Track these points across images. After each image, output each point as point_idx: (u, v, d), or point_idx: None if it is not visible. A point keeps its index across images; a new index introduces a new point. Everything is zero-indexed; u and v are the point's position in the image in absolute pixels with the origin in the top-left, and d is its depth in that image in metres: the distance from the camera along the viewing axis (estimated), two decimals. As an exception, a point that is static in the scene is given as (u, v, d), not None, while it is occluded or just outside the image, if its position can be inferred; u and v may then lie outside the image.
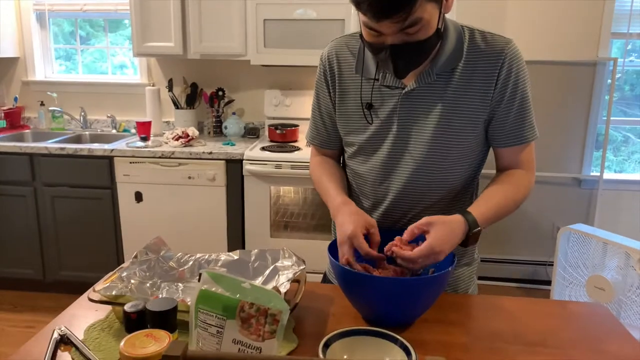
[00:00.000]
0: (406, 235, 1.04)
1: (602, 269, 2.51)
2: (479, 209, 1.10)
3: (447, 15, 1.09)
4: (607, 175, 3.31)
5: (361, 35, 1.07)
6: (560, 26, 3.14)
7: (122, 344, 0.76)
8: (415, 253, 0.99)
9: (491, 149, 1.23)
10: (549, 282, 3.06)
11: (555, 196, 3.36)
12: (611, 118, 3.13)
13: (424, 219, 1.03)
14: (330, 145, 1.31)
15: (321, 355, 0.88)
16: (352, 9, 2.68)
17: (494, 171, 1.24)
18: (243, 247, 2.94)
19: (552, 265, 2.79)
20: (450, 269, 1.00)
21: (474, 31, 1.12)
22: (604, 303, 2.44)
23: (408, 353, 0.89)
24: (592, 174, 3.32)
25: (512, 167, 1.19)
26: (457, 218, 1.05)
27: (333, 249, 1.10)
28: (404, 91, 1.13)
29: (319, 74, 1.26)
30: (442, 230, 1.01)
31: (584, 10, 3.10)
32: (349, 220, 1.08)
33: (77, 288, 3.00)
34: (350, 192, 1.29)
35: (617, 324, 1.09)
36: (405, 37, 0.99)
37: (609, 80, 3.17)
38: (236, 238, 2.95)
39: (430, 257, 1.00)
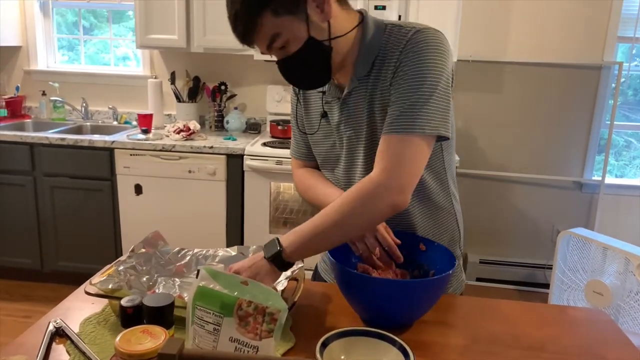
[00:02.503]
0: None
1: (602, 273, 2.50)
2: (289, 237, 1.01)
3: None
4: (609, 179, 3.30)
5: None
6: (566, 29, 3.12)
7: (117, 339, 0.75)
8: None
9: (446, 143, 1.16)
10: (547, 286, 3.06)
11: (556, 199, 3.35)
12: (614, 122, 3.13)
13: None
14: (311, 157, 1.30)
15: (318, 356, 0.87)
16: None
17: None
18: (242, 243, 2.93)
19: (551, 268, 2.79)
20: (450, 272, 0.99)
21: (395, 27, 1.07)
22: (602, 308, 2.43)
23: (406, 355, 0.88)
24: (593, 178, 3.31)
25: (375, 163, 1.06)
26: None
27: (332, 249, 1.09)
28: (341, 99, 1.13)
29: (292, 88, 1.27)
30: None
31: (590, 14, 3.08)
32: None
33: (74, 279, 3.01)
34: None
35: (617, 330, 1.08)
36: (280, 52, 1.02)
37: (613, 84, 3.16)
38: (235, 233, 2.94)
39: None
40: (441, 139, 1.06)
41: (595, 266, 2.53)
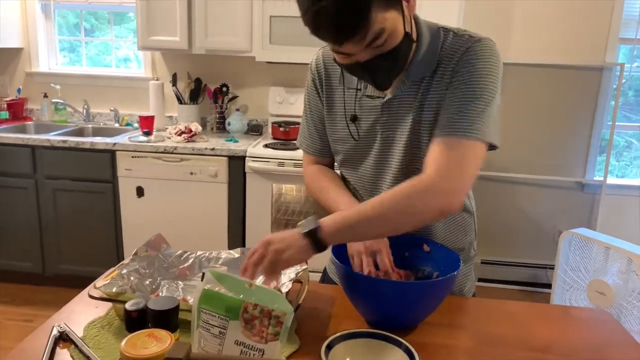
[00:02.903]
0: None
1: (604, 273, 2.50)
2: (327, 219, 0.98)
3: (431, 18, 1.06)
4: (610, 180, 3.30)
5: (335, 59, 1.03)
6: (568, 30, 3.12)
7: (123, 343, 0.75)
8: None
9: None
10: (549, 286, 3.05)
11: (558, 200, 3.35)
12: (616, 123, 3.13)
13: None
14: (326, 153, 1.28)
15: (324, 358, 0.86)
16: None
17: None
18: (243, 245, 2.93)
19: (553, 268, 2.78)
20: (455, 273, 0.99)
21: (448, 33, 1.06)
22: (604, 308, 2.43)
23: (412, 357, 0.88)
24: (595, 178, 3.31)
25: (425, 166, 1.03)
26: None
27: (337, 250, 1.09)
28: (384, 100, 1.11)
29: (309, 82, 1.24)
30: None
31: (591, 15, 3.08)
32: None
33: (76, 282, 3.01)
34: None
35: (622, 330, 1.08)
36: (374, 51, 0.94)
37: (614, 85, 3.16)
38: (237, 235, 2.94)
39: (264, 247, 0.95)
40: (491, 148, 1.06)
41: (598, 266, 2.53)
